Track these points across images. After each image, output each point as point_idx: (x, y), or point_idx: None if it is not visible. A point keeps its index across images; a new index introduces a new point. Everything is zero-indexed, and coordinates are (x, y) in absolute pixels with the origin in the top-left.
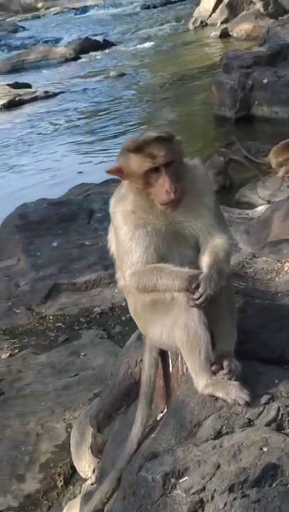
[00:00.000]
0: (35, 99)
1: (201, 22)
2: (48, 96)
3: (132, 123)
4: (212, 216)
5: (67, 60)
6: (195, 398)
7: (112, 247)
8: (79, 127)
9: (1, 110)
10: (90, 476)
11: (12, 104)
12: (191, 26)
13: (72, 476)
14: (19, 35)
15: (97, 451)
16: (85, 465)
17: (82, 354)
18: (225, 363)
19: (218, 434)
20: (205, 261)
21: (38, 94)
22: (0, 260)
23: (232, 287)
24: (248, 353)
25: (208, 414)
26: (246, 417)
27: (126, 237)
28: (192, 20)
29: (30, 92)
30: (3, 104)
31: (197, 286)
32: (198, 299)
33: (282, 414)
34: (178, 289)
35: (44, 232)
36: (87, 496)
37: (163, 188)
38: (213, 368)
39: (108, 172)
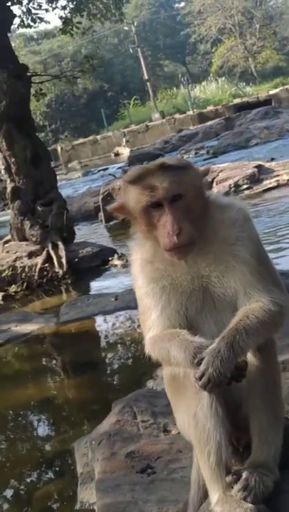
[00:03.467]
0: None
1: None
2: None
3: None
4: (249, 271)
5: None
6: None
7: None
8: None
9: None
10: None
11: None
12: None
13: None
14: None
15: None
16: None
17: None
18: (244, 475)
19: None
20: None
21: None
22: None
23: (274, 366)
24: None
25: None
26: None
27: (141, 292)
28: None
29: None
30: None
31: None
32: (200, 379)
33: None
34: (184, 364)
35: None
36: None
37: (165, 229)
38: (228, 478)
39: (111, 210)
